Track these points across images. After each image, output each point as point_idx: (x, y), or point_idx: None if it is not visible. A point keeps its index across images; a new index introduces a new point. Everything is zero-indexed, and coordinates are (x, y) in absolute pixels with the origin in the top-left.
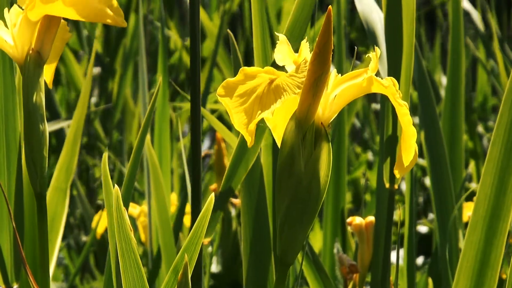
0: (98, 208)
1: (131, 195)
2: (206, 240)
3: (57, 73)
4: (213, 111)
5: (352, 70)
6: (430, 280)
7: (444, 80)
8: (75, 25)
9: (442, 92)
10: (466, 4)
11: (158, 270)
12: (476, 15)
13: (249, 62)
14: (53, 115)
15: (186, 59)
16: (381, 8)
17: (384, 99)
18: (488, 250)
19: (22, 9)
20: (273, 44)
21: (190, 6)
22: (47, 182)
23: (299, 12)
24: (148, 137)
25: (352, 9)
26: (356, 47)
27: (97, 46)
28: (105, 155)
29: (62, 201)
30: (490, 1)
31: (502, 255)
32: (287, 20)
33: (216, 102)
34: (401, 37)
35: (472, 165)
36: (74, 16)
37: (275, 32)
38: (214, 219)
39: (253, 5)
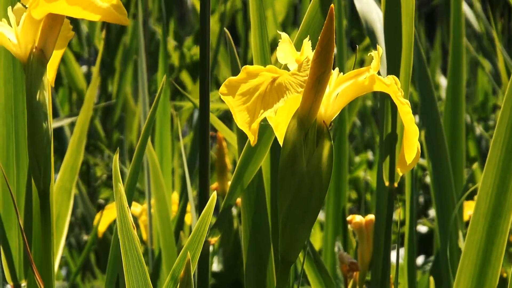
0: (99, 207)
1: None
2: (213, 240)
3: (58, 73)
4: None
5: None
6: (431, 279)
7: (442, 81)
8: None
9: (441, 94)
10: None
11: (159, 271)
12: (473, 18)
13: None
14: (53, 114)
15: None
16: (380, 6)
17: (383, 98)
18: (489, 249)
19: (26, 8)
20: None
21: (201, 9)
22: (51, 180)
23: (315, 11)
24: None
25: (352, 6)
26: (357, 45)
27: (99, 47)
28: (116, 157)
29: (67, 201)
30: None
31: (503, 253)
32: (280, 19)
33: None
34: (400, 36)
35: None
36: (77, 14)
37: (277, 31)
38: (221, 223)
39: (251, 5)
